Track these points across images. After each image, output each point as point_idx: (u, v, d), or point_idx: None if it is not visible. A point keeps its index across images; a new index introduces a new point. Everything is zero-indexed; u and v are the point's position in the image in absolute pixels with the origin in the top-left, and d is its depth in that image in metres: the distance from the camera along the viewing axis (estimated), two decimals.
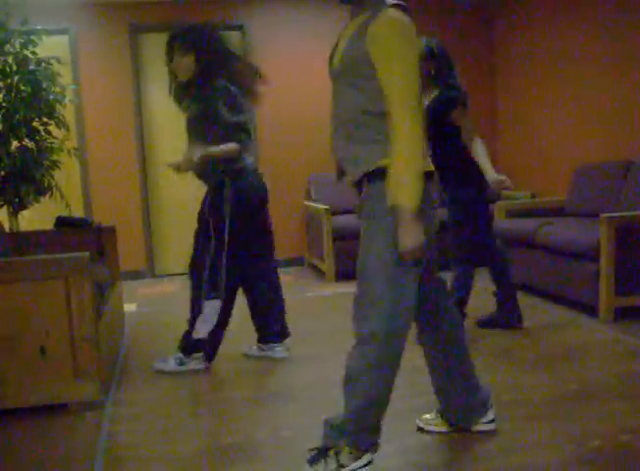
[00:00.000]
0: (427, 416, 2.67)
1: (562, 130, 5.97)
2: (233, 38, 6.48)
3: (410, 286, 2.12)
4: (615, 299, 4.11)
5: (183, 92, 3.40)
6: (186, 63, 3.29)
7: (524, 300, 4.80)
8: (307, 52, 6.67)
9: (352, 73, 2.11)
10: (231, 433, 2.74)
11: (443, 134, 3.74)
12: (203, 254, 3.39)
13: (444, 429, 2.61)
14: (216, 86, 3.27)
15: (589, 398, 2.90)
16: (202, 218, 3.43)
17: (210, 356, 3.54)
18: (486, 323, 4.10)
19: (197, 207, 3.56)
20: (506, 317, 4.06)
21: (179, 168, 3.29)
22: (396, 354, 2.13)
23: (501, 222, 5.23)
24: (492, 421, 2.59)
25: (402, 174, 2.00)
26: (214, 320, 3.42)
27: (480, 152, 3.76)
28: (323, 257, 6.00)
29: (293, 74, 6.66)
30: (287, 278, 6.27)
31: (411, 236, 2.01)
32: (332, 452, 2.18)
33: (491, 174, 3.72)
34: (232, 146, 3.28)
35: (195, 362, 3.52)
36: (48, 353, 2.95)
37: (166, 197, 6.42)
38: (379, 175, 2.08)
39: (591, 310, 4.27)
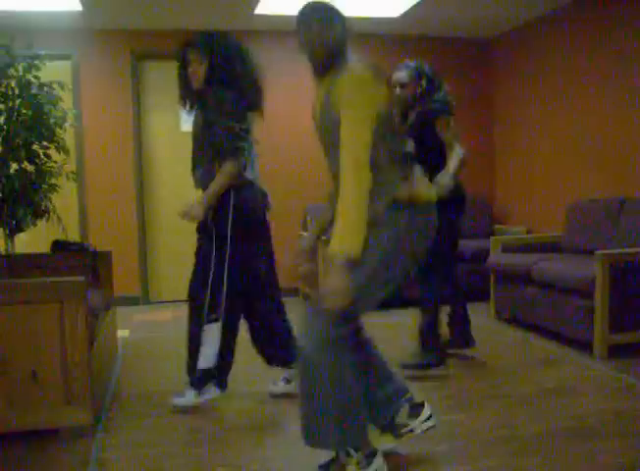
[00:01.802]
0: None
1: (559, 166, 6.02)
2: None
3: None
4: (610, 336, 4.11)
5: (197, 101, 3.31)
6: (204, 71, 3.21)
7: (518, 336, 4.80)
8: (306, 84, 6.73)
9: (332, 134, 2.21)
10: (221, 463, 2.72)
11: (426, 149, 3.62)
12: (205, 275, 3.26)
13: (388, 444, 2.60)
14: (224, 95, 3.19)
15: (581, 436, 2.89)
16: (203, 231, 3.32)
17: (223, 383, 3.37)
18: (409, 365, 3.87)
19: (193, 236, 3.45)
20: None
21: (186, 215, 3.18)
22: None
23: (495, 256, 5.24)
24: (429, 417, 2.58)
25: (342, 222, 2.07)
26: (217, 345, 3.24)
27: (453, 157, 3.66)
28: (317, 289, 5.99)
29: (291, 105, 6.71)
30: None
31: (335, 282, 2.07)
32: None
33: (446, 174, 3.58)
34: (228, 171, 3.14)
35: (211, 391, 3.33)
36: (39, 377, 2.92)
37: (162, 224, 6.42)
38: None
39: (585, 346, 4.27)
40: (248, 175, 3.34)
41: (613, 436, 2.88)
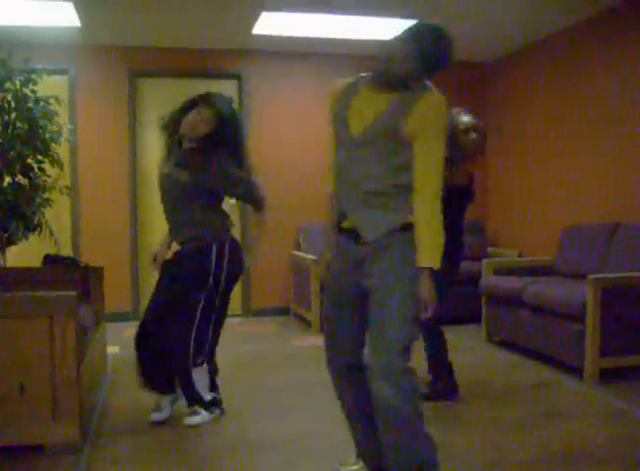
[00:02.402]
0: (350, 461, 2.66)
1: (552, 191, 6.06)
2: (229, 87, 6.59)
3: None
4: (601, 360, 4.11)
5: (185, 154, 3.37)
6: (209, 118, 3.26)
7: (509, 359, 4.79)
8: (302, 104, 6.77)
9: (382, 145, 2.22)
10: None
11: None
12: (185, 323, 3.31)
13: None
14: (223, 157, 3.33)
15: (572, 461, 2.88)
16: (189, 278, 3.32)
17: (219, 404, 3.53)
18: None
19: None
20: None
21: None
22: None
23: (487, 279, 5.25)
24: None
25: (432, 241, 2.22)
26: (207, 379, 3.42)
27: None
28: (309, 307, 5.99)
29: (286, 124, 6.74)
30: (272, 327, 6.23)
31: (428, 292, 2.21)
32: None
33: None
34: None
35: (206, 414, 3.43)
36: (27, 392, 2.90)
37: (155, 241, 6.40)
38: (400, 230, 2.26)
39: (576, 370, 4.26)
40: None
41: (604, 462, 2.87)
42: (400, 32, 2.17)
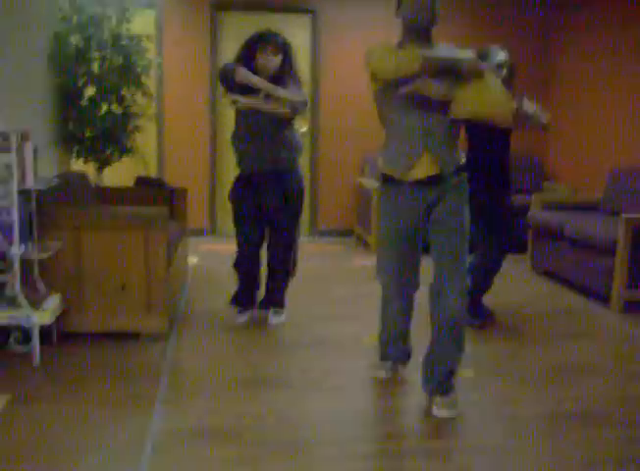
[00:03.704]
0: None
1: (607, 131, 6.30)
2: (304, 22, 6.98)
3: None
4: (626, 292, 4.52)
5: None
6: (276, 63, 3.73)
7: (548, 287, 5.24)
8: (373, 40, 7.10)
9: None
10: (269, 368, 3.34)
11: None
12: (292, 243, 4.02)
13: None
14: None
15: (576, 371, 3.39)
16: (287, 208, 3.91)
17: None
18: None
19: None
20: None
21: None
22: None
23: (535, 212, 5.64)
24: None
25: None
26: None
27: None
28: (370, 230, 6.52)
29: (357, 59, 7.11)
30: (336, 247, 6.81)
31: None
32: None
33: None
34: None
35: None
36: (127, 290, 3.58)
37: (231, 164, 6.99)
38: (461, 169, 2.83)
39: (604, 300, 4.68)
40: None
41: (602, 373, 3.37)
42: None
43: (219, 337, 3.82)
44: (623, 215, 4.48)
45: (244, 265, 4.06)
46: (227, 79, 3.71)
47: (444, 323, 2.81)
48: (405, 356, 3.26)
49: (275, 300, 4.12)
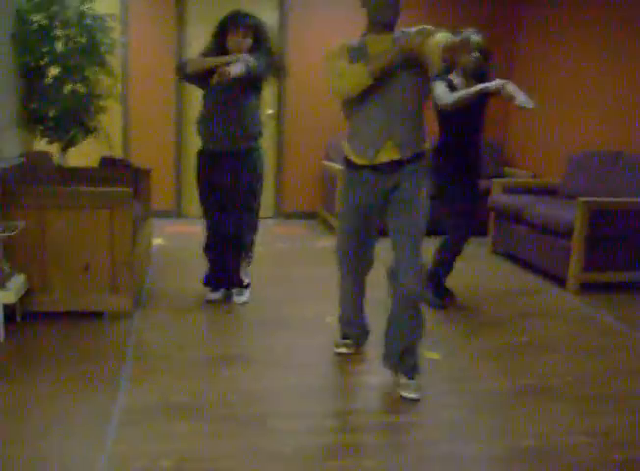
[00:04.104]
0: None
1: (567, 118, 6.43)
2: (270, 3, 6.97)
3: None
4: (582, 274, 4.66)
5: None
6: (248, 44, 3.73)
7: (507, 268, 5.37)
8: (341, 20, 7.13)
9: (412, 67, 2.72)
10: (232, 346, 3.40)
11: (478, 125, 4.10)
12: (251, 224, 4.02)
13: None
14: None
15: (531, 349, 3.51)
16: (241, 188, 3.91)
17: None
18: None
19: None
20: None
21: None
22: None
23: (496, 196, 5.75)
24: None
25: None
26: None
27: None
28: (334, 213, 6.58)
29: (325, 40, 7.09)
30: (300, 230, 6.86)
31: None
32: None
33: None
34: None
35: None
36: (91, 269, 3.59)
37: (196, 146, 6.99)
38: (423, 156, 2.90)
39: (561, 282, 4.82)
40: None
41: (556, 350, 3.50)
42: None
43: (183, 316, 3.85)
44: (581, 199, 4.61)
45: (212, 248, 4.09)
46: (184, 75, 3.82)
47: (402, 301, 2.89)
48: (364, 333, 3.35)
49: (233, 280, 4.14)
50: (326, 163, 7.05)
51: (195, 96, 6.92)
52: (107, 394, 2.78)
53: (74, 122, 5.08)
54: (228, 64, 3.48)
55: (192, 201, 7.08)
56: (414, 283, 2.83)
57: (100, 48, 5.09)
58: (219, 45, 3.77)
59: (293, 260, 5.44)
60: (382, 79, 2.72)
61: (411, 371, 2.93)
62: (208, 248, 4.12)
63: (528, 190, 5.87)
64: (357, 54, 2.83)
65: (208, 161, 3.97)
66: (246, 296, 4.17)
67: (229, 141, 3.85)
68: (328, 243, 6.11)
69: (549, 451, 2.45)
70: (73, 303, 3.62)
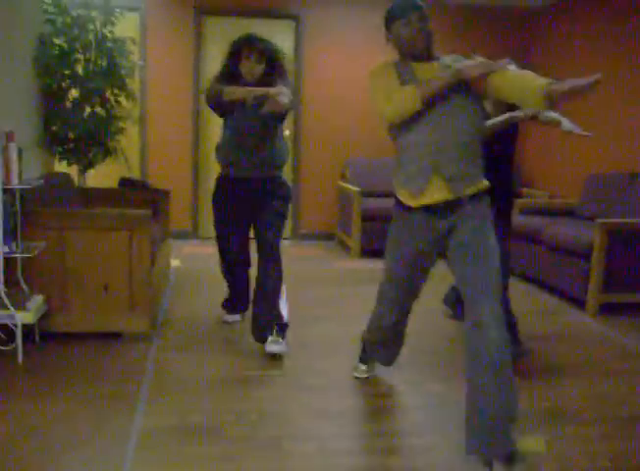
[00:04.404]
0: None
1: (582, 140, 6.40)
2: (287, 28, 7.05)
3: None
4: (601, 295, 4.62)
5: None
6: (260, 69, 3.58)
7: (525, 289, 5.33)
8: (355, 45, 7.19)
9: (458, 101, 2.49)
10: (250, 367, 3.39)
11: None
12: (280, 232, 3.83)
13: None
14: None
15: (560, 369, 3.47)
16: (277, 192, 3.73)
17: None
18: None
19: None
20: None
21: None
22: None
23: (515, 217, 5.73)
24: None
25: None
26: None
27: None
28: (351, 234, 6.58)
29: (340, 64, 7.19)
30: (317, 251, 6.87)
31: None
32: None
33: None
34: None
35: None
36: (110, 290, 3.61)
37: (213, 167, 7.04)
38: (483, 195, 2.54)
39: (580, 303, 4.78)
40: None
41: (576, 373, 3.46)
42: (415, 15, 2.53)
43: (201, 337, 3.86)
44: (599, 220, 4.59)
45: (229, 274, 4.06)
46: (218, 103, 3.60)
47: (487, 364, 2.32)
48: (390, 360, 3.22)
49: (272, 316, 3.62)
50: (342, 184, 7.07)
51: (213, 118, 6.99)
52: (125, 416, 2.78)
53: (93, 143, 5.15)
54: (277, 94, 3.35)
55: (209, 222, 7.13)
56: (500, 338, 2.32)
57: (120, 71, 5.17)
58: (231, 69, 3.64)
59: (309, 281, 5.44)
60: (432, 104, 2.45)
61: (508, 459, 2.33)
62: (225, 272, 4.07)
63: (546, 211, 5.85)
64: (405, 76, 2.55)
65: (237, 189, 3.78)
66: (284, 344, 3.57)
67: (258, 170, 3.69)
68: (344, 265, 6.11)
69: None
70: (91, 324, 3.64)
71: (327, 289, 5.14)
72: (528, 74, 2.37)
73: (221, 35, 7.01)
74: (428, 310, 4.37)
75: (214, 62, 7.03)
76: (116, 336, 3.70)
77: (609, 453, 2.60)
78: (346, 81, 7.21)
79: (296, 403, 2.99)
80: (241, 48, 3.61)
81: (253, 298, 3.71)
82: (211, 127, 7.00)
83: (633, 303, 4.72)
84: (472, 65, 2.43)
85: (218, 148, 3.82)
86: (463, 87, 2.46)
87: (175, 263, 5.72)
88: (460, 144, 2.46)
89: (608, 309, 4.65)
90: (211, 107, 3.70)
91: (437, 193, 2.48)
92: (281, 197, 3.76)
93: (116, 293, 3.62)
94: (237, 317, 4.17)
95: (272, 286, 3.64)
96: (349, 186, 6.73)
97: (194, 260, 6.05)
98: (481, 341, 2.33)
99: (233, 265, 4.02)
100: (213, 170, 7.02)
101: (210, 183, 6.34)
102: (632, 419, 2.93)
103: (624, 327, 4.36)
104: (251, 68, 3.59)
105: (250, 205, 3.75)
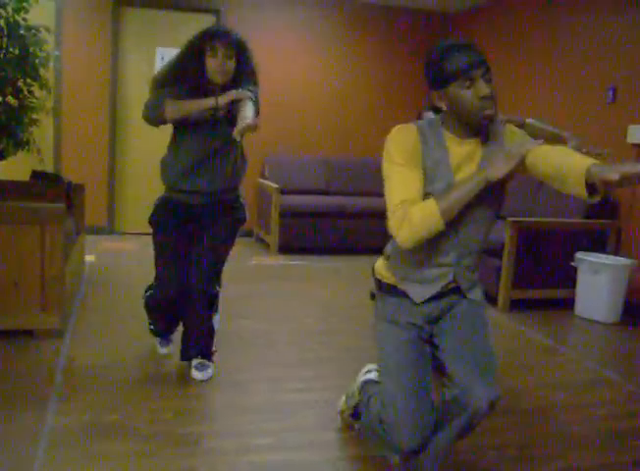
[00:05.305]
0: None
1: None
2: (207, 22, 6.98)
3: None
4: (512, 292, 4.80)
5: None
6: (231, 66, 3.06)
7: None
8: (279, 39, 7.20)
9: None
10: (165, 364, 3.36)
11: None
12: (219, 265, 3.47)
13: None
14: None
15: None
16: (229, 212, 3.26)
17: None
18: None
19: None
20: None
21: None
22: None
23: None
24: None
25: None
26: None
27: None
28: (269, 231, 6.59)
29: (261, 59, 7.16)
30: (236, 247, 6.80)
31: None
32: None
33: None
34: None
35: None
36: (20, 287, 3.50)
37: (131, 162, 6.91)
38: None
39: (493, 300, 4.95)
40: None
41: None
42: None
43: (115, 334, 3.78)
44: (509, 219, 4.76)
45: (164, 304, 3.27)
46: (160, 122, 3.03)
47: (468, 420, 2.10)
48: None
49: (200, 344, 3.28)
50: (261, 181, 7.06)
51: (131, 112, 6.86)
52: (36, 415, 2.70)
53: (4, 134, 4.96)
54: (241, 111, 2.83)
55: (126, 217, 6.99)
56: (484, 410, 2.05)
57: (33, 60, 5.00)
58: (195, 66, 3.01)
59: (227, 278, 5.39)
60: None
61: None
62: (156, 302, 3.31)
63: None
64: (434, 157, 2.05)
65: (185, 210, 3.18)
66: (211, 371, 3.26)
67: (217, 196, 3.17)
68: (263, 262, 6.12)
69: None
70: (2, 322, 3.51)
71: (245, 286, 5.14)
72: (566, 151, 1.94)
73: (139, 27, 6.89)
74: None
75: (132, 54, 6.92)
76: (27, 333, 3.58)
77: (516, 444, 2.71)
78: (266, 78, 7.17)
79: (215, 400, 2.99)
80: (208, 42, 2.99)
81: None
82: (128, 120, 6.87)
83: (538, 299, 4.93)
84: (500, 166, 2.00)
85: (165, 167, 3.15)
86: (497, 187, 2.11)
87: (90, 258, 5.58)
88: (476, 253, 2.20)
89: (518, 305, 4.83)
90: (158, 125, 3.10)
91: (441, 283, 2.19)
92: (237, 223, 3.37)
93: (27, 290, 3.51)
94: (169, 347, 3.56)
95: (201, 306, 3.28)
96: (268, 184, 6.74)
97: (110, 256, 5.92)
98: (465, 411, 2.09)
99: (170, 301, 3.25)
100: (130, 164, 6.90)
101: (127, 178, 6.26)
102: (538, 410, 3.06)
103: (533, 322, 4.54)
104: (221, 66, 3.00)
105: (199, 230, 3.25)
